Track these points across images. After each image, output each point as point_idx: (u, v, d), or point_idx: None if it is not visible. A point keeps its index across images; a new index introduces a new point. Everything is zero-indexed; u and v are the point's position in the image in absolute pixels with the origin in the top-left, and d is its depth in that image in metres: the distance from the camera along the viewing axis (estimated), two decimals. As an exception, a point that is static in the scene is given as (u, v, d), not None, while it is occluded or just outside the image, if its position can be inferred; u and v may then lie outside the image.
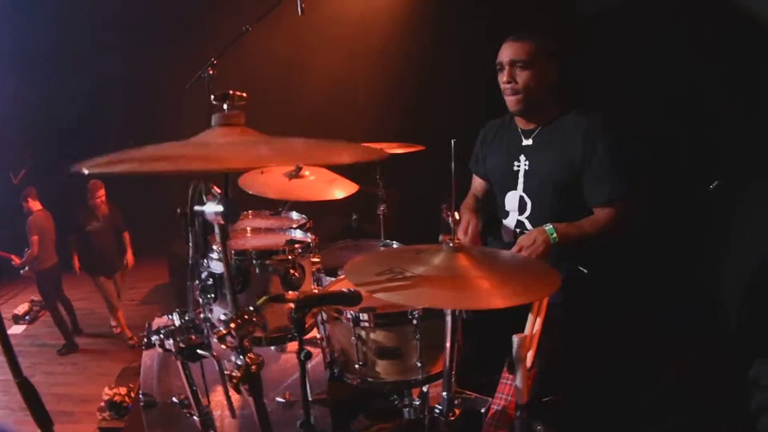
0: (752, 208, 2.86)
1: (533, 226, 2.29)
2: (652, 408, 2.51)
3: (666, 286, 3.04)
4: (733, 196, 2.85)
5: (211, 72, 2.63)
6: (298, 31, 4.07)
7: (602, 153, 2.12)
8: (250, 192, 2.36)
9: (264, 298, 1.53)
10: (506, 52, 2.22)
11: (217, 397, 1.95)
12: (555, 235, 2.10)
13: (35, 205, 5.82)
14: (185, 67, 2.86)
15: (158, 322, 2.11)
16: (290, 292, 1.64)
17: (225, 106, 1.28)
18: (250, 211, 2.51)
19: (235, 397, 1.95)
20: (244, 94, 1.28)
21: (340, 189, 2.58)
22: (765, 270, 2.82)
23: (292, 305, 1.57)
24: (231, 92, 1.27)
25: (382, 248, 2.83)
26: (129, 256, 5.86)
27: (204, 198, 1.81)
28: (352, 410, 2.46)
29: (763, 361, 2.57)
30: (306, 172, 2.54)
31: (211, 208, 1.31)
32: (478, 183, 2.66)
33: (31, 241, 5.63)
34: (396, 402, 2.10)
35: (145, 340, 1.88)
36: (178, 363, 1.77)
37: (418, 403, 2.04)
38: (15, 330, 6.27)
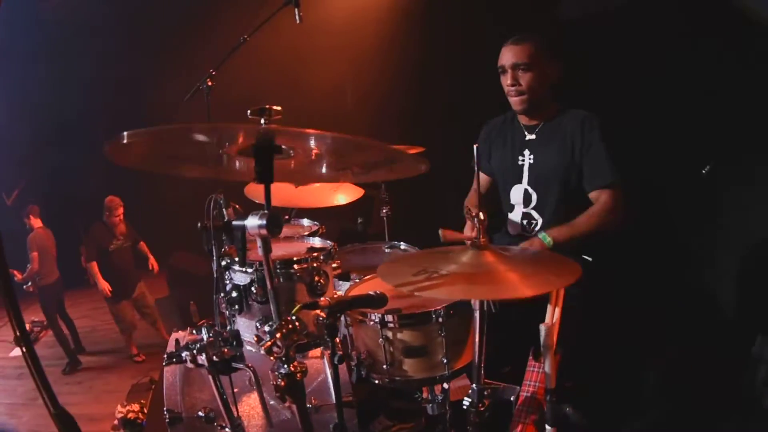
0: (744, 190, 3.02)
1: (540, 216, 2.38)
2: (651, 392, 2.64)
3: (666, 272, 3.18)
4: (726, 179, 3.00)
5: (209, 83, 2.62)
6: (294, 40, 4.06)
7: (597, 143, 2.24)
8: (257, 201, 2.37)
9: (299, 306, 1.55)
10: (507, 56, 2.30)
11: (244, 408, 1.96)
12: (549, 239, 2.21)
13: (36, 223, 5.93)
14: (182, 78, 2.82)
15: (177, 336, 2.11)
16: (322, 299, 1.66)
17: (262, 121, 1.30)
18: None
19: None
20: (279, 108, 1.30)
21: (346, 194, 2.63)
22: (759, 250, 2.99)
23: (319, 311, 1.60)
24: (267, 106, 1.29)
25: (387, 250, 2.88)
26: (152, 262, 5.75)
27: (224, 211, 1.84)
28: (373, 411, 2.50)
29: (764, 339, 2.72)
30: (310, 178, 2.57)
31: (254, 222, 1.33)
32: (481, 179, 2.74)
33: (31, 257, 5.68)
34: (419, 398, 2.15)
35: (166, 356, 1.87)
36: (209, 377, 1.78)
37: (441, 398, 2.09)
38: (16, 352, 6.06)
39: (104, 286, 5.39)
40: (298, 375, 1.45)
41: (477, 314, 1.69)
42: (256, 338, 1.38)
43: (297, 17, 2.56)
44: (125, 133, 1.13)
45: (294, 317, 1.45)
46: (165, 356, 1.78)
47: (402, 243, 2.86)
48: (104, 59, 6.16)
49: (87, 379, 5.27)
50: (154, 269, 5.76)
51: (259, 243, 1.36)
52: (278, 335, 1.39)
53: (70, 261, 6.33)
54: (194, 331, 1.72)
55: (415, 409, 2.55)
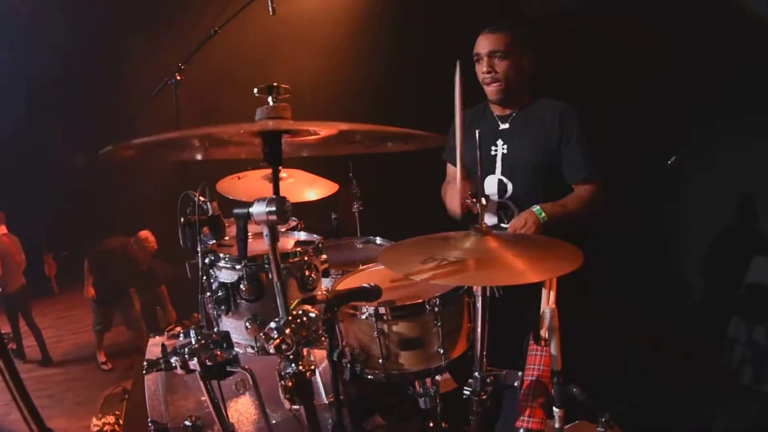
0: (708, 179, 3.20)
1: (516, 206, 2.38)
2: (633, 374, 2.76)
3: (638, 260, 3.31)
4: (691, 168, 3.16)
5: (178, 78, 2.47)
6: (264, 33, 3.91)
7: (577, 137, 2.27)
8: (230, 197, 2.25)
9: (297, 301, 1.46)
10: (484, 44, 2.30)
11: (233, 414, 1.85)
12: (543, 214, 2.21)
13: (0, 229, 5.68)
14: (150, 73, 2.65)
15: (155, 342, 1.96)
16: (320, 293, 1.58)
17: (270, 100, 1.21)
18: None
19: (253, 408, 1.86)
20: (288, 86, 1.22)
21: (321, 189, 2.54)
22: (724, 237, 3.18)
23: (309, 307, 1.51)
24: (276, 84, 1.20)
25: (360, 246, 2.82)
26: (169, 316, 5.18)
27: (208, 205, 1.72)
28: (366, 409, 2.42)
29: (738, 318, 2.88)
30: (284, 174, 2.47)
31: (261, 209, 1.23)
32: (453, 171, 2.71)
33: None
34: (412, 393, 2.10)
35: (146, 364, 1.73)
36: (192, 383, 1.66)
37: (433, 391, 2.05)
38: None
39: (90, 293, 5.10)
40: (308, 373, 1.36)
41: (480, 300, 1.66)
42: (264, 336, 1.27)
43: (270, 9, 2.47)
44: (133, 141, 1.02)
45: (302, 312, 1.36)
46: (145, 364, 1.64)
47: (377, 238, 2.81)
48: (63, 55, 5.73)
49: (57, 391, 4.90)
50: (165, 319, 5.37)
51: (265, 232, 1.27)
52: (287, 331, 1.30)
53: (33, 269, 6.04)
54: (181, 335, 1.61)
55: (408, 407, 2.52)
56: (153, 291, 5.27)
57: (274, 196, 1.24)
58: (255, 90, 1.20)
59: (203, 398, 1.80)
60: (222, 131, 1.14)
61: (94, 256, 5.21)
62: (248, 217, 1.27)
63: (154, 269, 5.27)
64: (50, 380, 5.17)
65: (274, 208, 1.22)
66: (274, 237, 1.27)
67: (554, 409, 1.60)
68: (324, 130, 1.23)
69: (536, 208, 2.23)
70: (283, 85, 1.21)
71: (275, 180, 1.27)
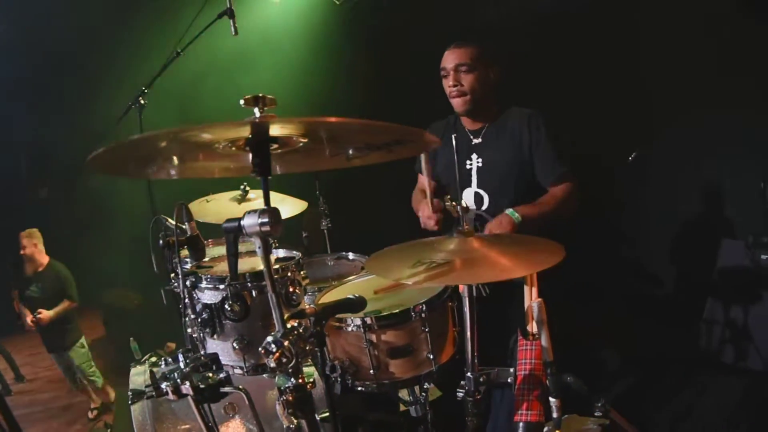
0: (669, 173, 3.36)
1: (493, 216, 2.43)
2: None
3: (610, 253, 3.42)
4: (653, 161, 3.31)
5: (142, 101, 2.42)
6: (226, 51, 3.87)
7: (546, 140, 2.34)
8: (200, 220, 2.20)
9: (287, 315, 1.44)
10: (450, 58, 2.36)
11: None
12: (517, 215, 2.26)
13: None
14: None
15: (137, 371, 1.88)
16: (309, 306, 1.56)
17: (256, 111, 1.20)
18: (210, 240, 2.32)
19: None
20: (273, 97, 1.22)
21: (290, 207, 2.53)
22: (689, 225, 3.32)
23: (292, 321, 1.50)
24: (261, 95, 1.20)
25: (331, 263, 2.81)
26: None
27: (186, 225, 1.68)
28: (351, 424, 2.38)
29: (713, 301, 3.01)
30: (252, 194, 2.47)
31: (253, 220, 1.22)
32: (426, 183, 2.74)
33: None
34: (400, 401, 2.09)
35: (131, 393, 1.66)
36: (181, 409, 1.60)
37: (423, 398, 2.05)
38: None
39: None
40: (309, 386, 1.34)
41: (467, 301, 1.69)
42: (263, 351, 1.25)
43: (232, 29, 2.46)
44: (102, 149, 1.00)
45: (296, 324, 1.35)
46: (130, 394, 1.58)
47: (350, 253, 2.80)
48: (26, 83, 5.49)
49: (36, 431, 4.56)
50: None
51: (257, 244, 1.25)
52: (286, 343, 1.28)
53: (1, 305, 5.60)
54: (162, 362, 1.55)
55: (396, 420, 2.49)
56: None
57: (266, 207, 1.22)
58: (241, 101, 1.19)
59: (191, 425, 1.75)
60: (206, 130, 1.11)
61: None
62: (240, 230, 1.25)
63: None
64: (29, 419, 4.82)
65: (266, 219, 1.20)
66: (267, 249, 1.26)
67: (551, 399, 1.63)
68: (313, 126, 1.22)
69: (509, 210, 2.28)
70: (269, 96, 1.21)
71: (265, 191, 1.26)
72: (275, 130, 1.20)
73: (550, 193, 2.36)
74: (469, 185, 2.45)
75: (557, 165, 2.35)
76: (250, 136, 1.20)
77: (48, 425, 4.68)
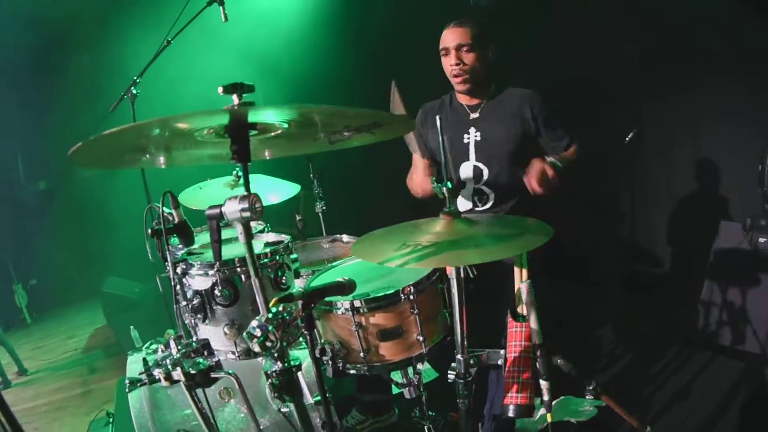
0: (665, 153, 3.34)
1: (492, 190, 2.44)
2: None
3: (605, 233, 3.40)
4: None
5: (134, 91, 2.43)
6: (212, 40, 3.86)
7: (548, 113, 2.41)
8: (193, 208, 2.22)
9: (275, 299, 1.45)
10: (450, 37, 2.37)
11: (219, 423, 1.81)
12: (559, 163, 2.32)
13: None
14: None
15: (134, 360, 1.91)
16: (296, 290, 1.57)
17: (235, 98, 1.20)
18: (200, 227, 2.33)
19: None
20: (252, 84, 1.22)
21: (283, 191, 2.54)
22: (684, 205, 3.29)
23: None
24: (240, 83, 1.20)
25: (326, 246, 2.82)
26: None
27: (173, 213, 1.69)
28: (345, 406, 2.41)
29: (710, 283, 3.00)
30: (244, 179, 2.46)
31: (233, 207, 1.23)
32: (420, 162, 2.74)
33: None
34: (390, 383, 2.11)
35: (128, 382, 1.68)
36: (177, 396, 1.63)
37: (416, 380, 2.06)
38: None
39: None
40: (295, 369, 1.36)
41: (455, 283, 1.69)
42: (248, 335, 1.26)
43: (222, 16, 2.45)
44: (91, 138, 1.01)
45: (282, 308, 1.36)
46: (127, 382, 1.60)
47: (344, 235, 2.81)
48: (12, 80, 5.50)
49: (42, 424, 4.63)
50: None
51: (240, 229, 1.26)
52: (270, 327, 1.29)
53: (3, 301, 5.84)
54: (159, 349, 1.57)
55: (386, 400, 2.52)
56: None
57: (245, 194, 1.23)
58: (219, 89, 1.19)
59: (190, 410, 1.77)
60: (184, 119, 1.12)
61: None
62: (221, 216, 1.26)
63: None
64: (34, 412, 4.81)
65: (246, 205, 1.21)
66: (249, 234, 1.27)
67: (541, 381, 1.64)
68: (290, 114, 1.22)
69: (550, 159, 2.32)
70: (247, 84, 1.21)
71: (245, 177, 1.27)
72: (253, 116, 1.21)
73: (565, 154, 2.44)
74: (467, 159, 2.47)
75: (564, 134, 2.45)
76: (228, 123, 1.21)
77: (53, 417, 4.76)
